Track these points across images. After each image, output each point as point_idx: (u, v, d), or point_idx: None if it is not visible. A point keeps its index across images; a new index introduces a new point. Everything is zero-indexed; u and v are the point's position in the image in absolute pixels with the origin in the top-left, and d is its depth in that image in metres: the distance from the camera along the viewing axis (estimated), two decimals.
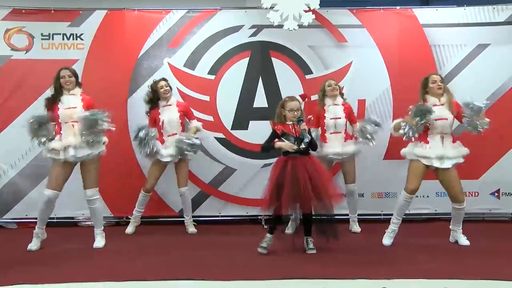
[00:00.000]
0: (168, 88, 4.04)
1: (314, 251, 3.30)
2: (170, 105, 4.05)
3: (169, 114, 4.00)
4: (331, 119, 3.92)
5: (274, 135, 3.39)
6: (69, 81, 3.52)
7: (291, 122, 3.37)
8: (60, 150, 3.41)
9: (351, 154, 3.95)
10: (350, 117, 4.04)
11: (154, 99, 4.04)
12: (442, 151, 3.44)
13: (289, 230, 3.81)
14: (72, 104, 3.50)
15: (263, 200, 3.31)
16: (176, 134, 4.02)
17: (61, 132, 3.49)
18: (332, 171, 4.10)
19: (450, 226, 3.58)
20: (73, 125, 3.47)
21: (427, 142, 3.49)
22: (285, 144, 3.31)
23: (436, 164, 3.42)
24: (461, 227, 3.55)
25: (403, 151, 3.60)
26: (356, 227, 4.08)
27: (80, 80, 3.66)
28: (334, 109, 3.96)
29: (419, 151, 3.47)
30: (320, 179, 3.25)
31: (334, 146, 3.92)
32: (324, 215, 3.35)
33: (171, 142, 3.98)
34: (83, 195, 3.57)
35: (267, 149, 3.43)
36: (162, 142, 4.03)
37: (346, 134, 3.98)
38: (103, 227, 3.64)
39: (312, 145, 3.39)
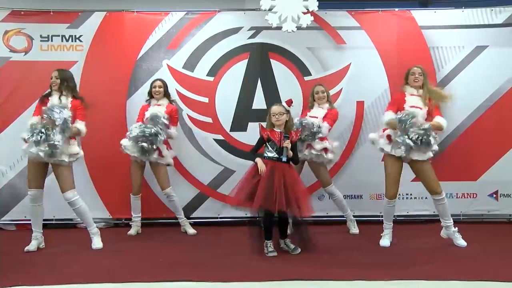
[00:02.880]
0: (160, 90, 4.04)
1: (299, 250, 3.32)
2: (159, 105, 4.05)
3: (154, 110, 3.97)
4: (309, 116, 3.93)
5: (261, 140, 3.43)
6: (54, 83, 3.53)
7: (279, 130, 3.39)
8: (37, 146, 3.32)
9: (319, 154, 3.87)
10: (326, 117, 3.96)
11: (150, 95, 4.09)
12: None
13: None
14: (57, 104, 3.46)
15: (233, 194, 3.36)
16: None
17: None
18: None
19: (441, 223, 3.59)
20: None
21: None
22: (260, 165, 3.33)
23: (409, 154, 3.39)
24: (451, 222, 3.54)
25: (372, 136, 3.60)
26: (354, 229, 4.09)
27: (72, 83, 3.59)
28: (317, 111, 3.99)
29: (391, 132, 3.46)
30: (294, 188, 3.27)
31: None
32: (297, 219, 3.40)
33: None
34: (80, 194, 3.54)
35: (252, 156, 3.47)
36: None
37: (323, 138, 3.92)
38: (95, 225, 3.61)
39: (294, 161, 3.42)
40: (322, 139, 3.90)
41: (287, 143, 3.32)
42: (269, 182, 3.24)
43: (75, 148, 3.50)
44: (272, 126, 3.43)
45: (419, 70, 3.59)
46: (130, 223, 4.07)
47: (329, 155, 3.92)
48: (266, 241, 3.36)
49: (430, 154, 3.49)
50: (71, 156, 3.46)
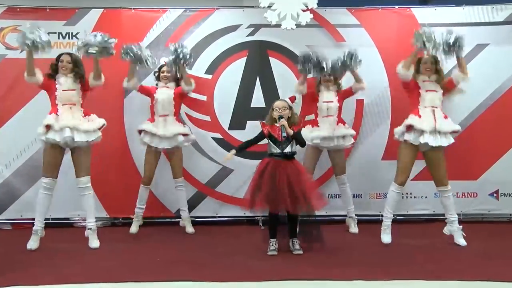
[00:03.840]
0: (168, 75, 4.06)
1: (301, 252, 3.31)
2: (168, 87, 4.06)
3: (164, 94, 4.00)
4: (323, 102, 3.97)
5: (261, 136, 3.43)
6: (65, 67, 3.55)
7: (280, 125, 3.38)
8: (57, 130, 3.40)
9: (340, 139, 3.96)
10: (345, 93, 4.08)
11: (157, 77, 4.12)
12: (435, 124, 3.46)
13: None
14: (72, 85, 3.54)
15: (244, 199, 3.37)
16: (168, 115, 3.99)
17: (58, 113, 3.49)
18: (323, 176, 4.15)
19: (446, 216, 3.60)
20: (70, 108, 3.49)
21: (420, 116, 3.51)
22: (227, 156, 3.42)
23: (431, 142, 3.43)
24: (456, 217, 3.54)
25: (396, 129, 3.62)
26: (354, 228, 4.09)
27: (82, 70, 3.64)
28: (327, 94, 4.02)
29: (412, 121, 3.48)
30: (300, 184, 3.25)
31: (324, 129, 3.95)
32: (305, 217, 3.38)
33: (160, 123, 3.95)
34: (76, 188, 3.57)
35: (243, 148, 3.47)
36: (153, 121, 4.00)
37: (338, 118, 4.02)
38: (95, 219, 3.61)
39: (297, 141, 3.38)
40: (340, 121, 4.03)
41: (282, 121, 3.31)
42: (272, 182, 3.23)
43: (99, 120, 3.57)
44: (273, 121, 3.42)
45: (431, 58, 3.61)
46: (131, 217, 4.04)
47: (351, 140, 4.05)
48: (270, 239, 3.37)
49: (451, 139, 3.50)
50: (95, 132, 3.53)
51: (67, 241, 3.76)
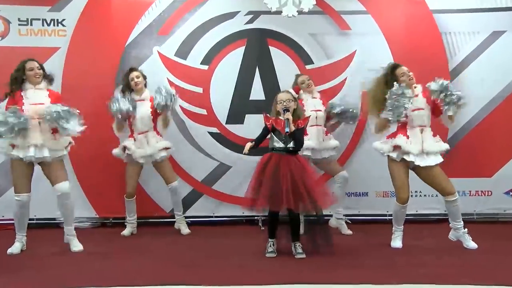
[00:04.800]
0: (139, 80, 3.93)
1: (303, 256, 3.26)
2: (143, 100, 3.95)
3: (141, 110, 3.91)
4: (311, 111, 3.87)
5: (266, 131, 3.38)
6: (38, 74, 3.39)
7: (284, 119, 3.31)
8: (22, 148, 3.30)
9: (330, 150, 3.90)
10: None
11: (127, 90, 3.96)
12: (422, 146, 3.40)
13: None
14: (39, 99, 3.36)
15: (246, 199, 3.31)
16: (147, 131, 3.93)
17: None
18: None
19: (450, 224, 3.55)
20: (39, 123, 3.35)
21: (407, 137, 3.45)
22: (246, 148, 3.30)
23: (418, 161, 3.38)
24: (462, 224, 3.50)
25: (376, 144, 3.54)
26: (346, 230, 4.00)
27: (50, 73, 3.52)
28: (313, 102, 3.93)
29: (399, 141, 3.41)
30: (305, 180, 3.19)
31: (313, 139, 3.85)
32: (311, 217, 3.31)
33: (142, 142, 3.91)
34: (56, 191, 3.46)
35: (255, 145, 3.39)
36: (133, 137, 3.96)
37: (327, 128, 3.98)
38: (74, 226, 3.54)
39: (296, 140, 3.29)
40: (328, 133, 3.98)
41: (287, 115, 3.24)
42: (274, 179, 3.17)
43: (66, 138, 3.44)
44: (277, 114, 3.37)
45: (406, 68, 3.47)
46: (125, 223, 4.04)
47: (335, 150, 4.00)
48: (269, 239, 3.34)
49: (440, 158, 3.44)
50: (63, 149, 3.43)
51: (54, 242, 3.70)
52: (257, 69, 4.40)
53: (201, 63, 4.40)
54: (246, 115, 4.39)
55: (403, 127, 3.47)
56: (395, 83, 3.35)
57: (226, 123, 4.40)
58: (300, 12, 3.96)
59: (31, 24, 4.25)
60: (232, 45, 4.40)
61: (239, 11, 4.40)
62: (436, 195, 4.22)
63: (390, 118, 3.35)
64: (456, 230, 3.52)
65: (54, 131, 3.38)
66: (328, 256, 3.29)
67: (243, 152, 3.29)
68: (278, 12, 4.00)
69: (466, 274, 2.91)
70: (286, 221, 3.33)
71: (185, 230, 4.06)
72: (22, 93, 3.38)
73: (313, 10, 4.06)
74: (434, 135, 3.47)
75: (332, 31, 4.40)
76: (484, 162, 4.35)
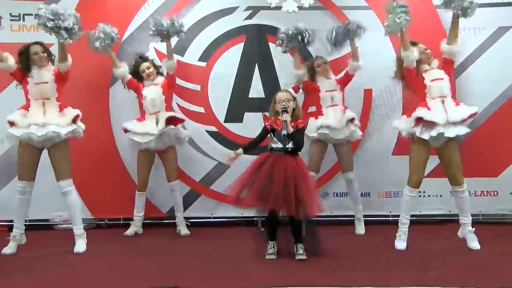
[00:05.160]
0: (150, 70, 3.98)
1: (304, 257, 3.23)
2: (155, 84, 4.00)
3: (152, 92, 3.94)
4: (326, 92, 3.92)
5: (265, 132, 3.36)
6: (43, 57, 3.43)
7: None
8: (24, 127, 3.30)
9: (350, 127, 3.91)
10: (345, 79, 4.04)
11: (138, 78, 4.03)
12: (446, 115, 3.35)
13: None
14: (44, 78, 3.40)
15: (230, 194, 3.29)
16: (159, 112, 3.94)
17: (29, 108, 3.38)
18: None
19: (459, 217, 3.54)
20: (43, 103, 3.37)
21: (429, 108, 3.40)
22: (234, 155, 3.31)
23: (445, 131, 3.31)
24: (470, 220, 3.49)
25: (396, 123, 3.57)
26: (360, 229, 4.04)
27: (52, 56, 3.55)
28: (328, 82, 3.97)
29: (421, 113, 3.37)
30: (298, 184, 3.14)
31: (330, 118, 3.89)
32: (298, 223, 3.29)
33: (152, 121, 3.90)
34: (59, 192, 3.48)
35: (248, 148, 3.39)
36: (143, 119, 3.96)
37: (344, 107, 3.97)
38: (83, 225, 3.54)
39: (295, 141, 3.26)
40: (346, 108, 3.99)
41: (285, 117, 3.23)
42: (267, 178, 3.15)
43: (73, 111, 3.43)
44: (276, 114, 3.35)
45: (423, 46, 3.55)
46: (130, 223, 4.04)
47: (358, 132, 4.00)
48: (269, 241, 3.32)
49: (466, 129, 3.38)
50: (70, 125, 3.41)
51: (48, 244, 3.69)
52: (256, 66, 4.37)
53: (199, 60, 4.37)
54: (245, 113, 4.37)
55: (422, 100, 3.43)
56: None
57: (225, 121, 4.38)
58: (300, 8, 3.95)
59: (23, 20, 4.21)
60: (231, 41, 4.37)
61: (238, 6, 4.37)
62: (441, 195, 4.35)
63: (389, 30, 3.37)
64: (463, 226, 3.52)
65: (61, 108, 3.40)
66: (330, 257, 3.27)
67: (228, 159, 3.32)
68: (278, 8, 3.98)
69: (471, 276, 2.89)
70: (287, 223, 3.30)
71: (183, 231, 4.05)
72: (28, 74, 3.42)
73: (314, 6, 4.03)
74: (457, 104, 3.42)
75: (331, 25, 4.26)
76: (490, 161, 4.32)
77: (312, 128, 3.91)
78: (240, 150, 3.33)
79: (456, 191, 3.49)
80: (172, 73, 4.04)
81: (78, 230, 3.51)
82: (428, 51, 3.51)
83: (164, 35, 3.90)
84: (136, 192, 4.02)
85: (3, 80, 4.03)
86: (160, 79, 4.03)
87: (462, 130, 3.37)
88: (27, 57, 3.41)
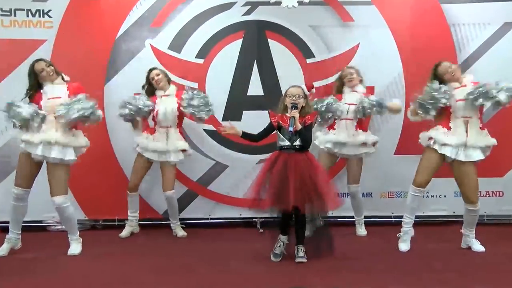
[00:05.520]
0: (160, 77, 3.98)
1: (304, 260, 3.21)
2: (168, 95, 3.99)
3: (166, 104, 3.94)
4: (345, 104, 3.88)
5: (270, 127, 3.32)
6: (50, 71, 3.41)
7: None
8: (31, 144, 3.29)
9: (358, 147, 3.86)
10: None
11: (149, 90, 4.04)
12: (465, 139, 3.33)
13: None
14: (57, 93, 3.38)
15: (248, 198, 3.26)
16: (170, 127, 3.96)
17: (42, 124, 3.37)
18: (334, 167, 4.07)
19: (462, 230, 3.53)
20: (55, 118, 3.35)
21: (449, 128, 3.39)
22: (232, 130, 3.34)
23: (454, 154, 3.32)
24: (473, 233, 3.49)
25: (422, 134, 3.54)
26: (361, 230, 4.03)
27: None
28: (351, 95, 3.91)
29: (437, 134, 3.38)
30: (313, 179, 3.14)
31: (340, 133, 3.86)
32: (314, 220, 3.31)
33: (161, 136, 3.92)
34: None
35: (248, 136, 3.38)
36: (153, 132, 3.97)
37: (358, 124, 3.91)
38: (78, 233, 3.54)
39: (303, 138, 3.23)
40: (361, 127, 3.92)
41: (294, 113, 3.18)
42: (281, 177, 3.13)
43: (83, 139, 3.45)
44: (285, 109, 3.30)
45: (448, 63, 3.50)
46: (125, 223, 4.03)
47: (372, 149, 3.96)
48: (280, 236, 3.29)
49: (481, 155, 3.37)
50: (77, 149, 3.42)
51: (41, 246, 3.66)
52: (255, 63, 4.34)
53: (196, 57, 4.33)
54: (244, 112, 4.32)
55: (446, 117, 3.40)
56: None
57: (223, 120, 4.32)
58: (300, 3, 3.90)
59: (15, 15, 4.15)
60: (229, 37, 4.33)
61: (236, 2, 4.32)
62: (445, 196, 4.31)
63: (420, 113, 3.35)
64: (465, 237, 3.51)
65: (74, 126, 3.41)
66: (331, 259, 3.25)
67: (220, 128, 3.34)
68: (278, 3, 3.94)
69: (476, 279, 2.89)
70: (291, 224, 3.30)
71: (180, 232, 4.04)
72: (41, 91, 3.41)
73: (314, 1, 4.01)
74: (482, 129, 3.39)
75: (334, 23, 4.33)
76: (495, 161, 4.09)
77: (322, 140, 3.87)
78: (239, 130, 3.31)
79: (469, 210, 3.43)
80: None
81: (75, 237, 3.51)
82: (452, 68, 3.43)
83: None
84: (128, 192, 3.99)
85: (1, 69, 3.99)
86: (173, 89, 4.02)
87: (476, 156, 3.34)
88: (36, 76, 3.39)
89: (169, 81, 4.07)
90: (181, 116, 3.99)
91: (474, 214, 3.42)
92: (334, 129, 3.90)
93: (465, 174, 3.36)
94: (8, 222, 3.54)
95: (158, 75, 3.97)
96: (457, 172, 3.40)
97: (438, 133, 3.38)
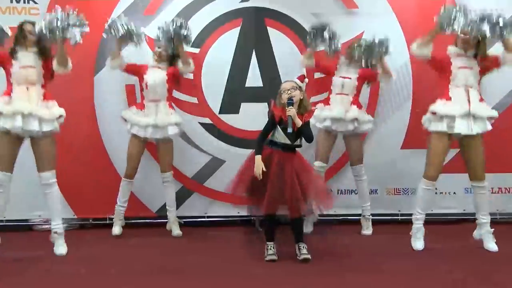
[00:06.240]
0: (161, 52, 3.92)
1: (308, 256, 3.17)
2: (160, 67, 3.94)
3: (156, 76, 3.87)
4: (339, 77, 3.85)
5: (273, 123, 3.23)
6: (27, 38, 3.30)
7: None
8: (8, 116, 3.19)
9: (354, 123, 3.82)
10: (367, 75, 3.93)
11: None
12: (469, 108, 3.28)
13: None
14: (31, 62, 3.29)
15: (231, 187, 3.27)
16: (159, 100, 3.87)
17: (12, 94, 3.27)
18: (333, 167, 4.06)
19: (476, 217, 3.48)
20: (27, 88, 3.26)
21: (449, 98, 3.34)
22: (257, 165, 3.11)
23: (466, 130, 3.27)
24: (488, 219, 3.43)
25: (424, 117, 3.47)
26: (367, 229, 3.97)
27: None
28: (347, 69, 3.90)
29: (436, 108, 3.32)
30: (307, 179, 3.14)
31: (335, 108, 3.83)
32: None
33: (151, 111, 3.84)
34: (38, 190, 3.39)
35: (262, 146, 3.22)
36: (142, 107, 3.91)
37: (354, 99, 3.87)
38: (62, 222, 3.45)
39: (306, 136, 3.20)
40: (355, 103, 3.88)
41: (291, 111, 3.12)
42: (279, 181, 3.08)
43: (58, 108, 3.34)
44: (284, 106, 3.24)
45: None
46: (111, 216, 3.96)
47: (369, 125, 3.95)
48: (267, 243, 3.26)
49: (488, 126, 3.34)
50: (55, 121, 3.30)
51: (27, 247, 3.61)
52: (253, 52, 4.28)
53: (191, 46, 4.20)
54: (242, 104, 4.27)
55: (444, 88, 3.36)
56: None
57: (220, 112, 4.29)
58: None
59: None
60: (226, 25, 4.27)
61: None
62: (454, 193, 4.26)
63: (442, 27, 3.25)
64: (480, 226, 3.44)
65: (46, 96, 3.31)
66: (335, 259, 3.26)
67: (257, 172, 3.10)
68: None
69: (486, 283, 2.82)
70: (284, 222, 3.27)
71: (176, 231, 3.98)
72: (14, 53, 3.30)
73: None
74: (481, 100, 3.35)
75: (338, 10, 4.27)
76: (508, 155, 4.22)
77: (318, 117, 3.84)
78: (259, 158, 3.14)
79: (476, 187, 3.41)
80: (184, 74, 4.02)
81: (58, 228, 3.41)
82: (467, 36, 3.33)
83: (171, 39, 3.85)
84: (123, 179, 3.91)
85: None
86: (165, 64, 3.96)
87: (482, 128, 3.30)
88: (21, 31, 3.29)
89: (169, 57, 3.96)
90: (170, 88, 3.94)
91: (483, 192, 3.39)
92: (329, 104, 3.86)
93: (474, 148, 3.35)
94: None
95: (159, 47, 3.91)
96: (466, 147, 3.38)
97: (439, 106, 3.32)
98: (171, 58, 3.98)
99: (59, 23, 3.20)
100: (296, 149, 3.25)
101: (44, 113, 3.24)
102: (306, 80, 3.56)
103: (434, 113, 3.34)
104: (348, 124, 3.81)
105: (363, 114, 3.89)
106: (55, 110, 3.32)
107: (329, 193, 3.40)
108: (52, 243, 3.40)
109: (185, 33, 3.84)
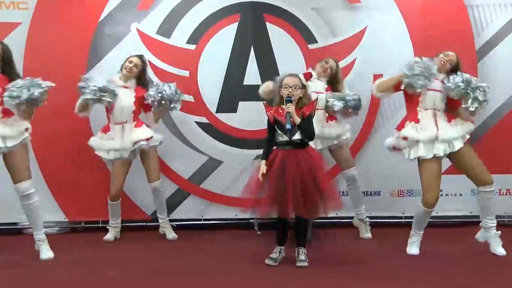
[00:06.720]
0: (131, 66, 3.78)
1: (305, 264, 3.13)
2: (126, 87, 3.83)
3: (122, 97, 3.78)
4: (312, 92, 3.71)
5: (268, 124, 3.18)
6: None
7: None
8: None
9: (334, 138, 3.79)
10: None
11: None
12: (436, 132, 3.26)
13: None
14: None
15: (246, 200, 3.17)
16: (126, 122, 3.81)
17: None
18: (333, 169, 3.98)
19: (481, 223, 3.42)
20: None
21: (417, 121, 3.31)
22: (261, 169, 3.10)
23: (441, 150, 3.25)
24: (495, 223, 3.37)
25: (388, 142, 3.46)
26: (366, 232, 3.93)
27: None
28: (318, 83, 3.81)
29: (406, 132, 3.29)
30: (315, 181, 3.06)
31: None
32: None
33: (116, 133, 3.78)
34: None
35: (269, 152, 3.17)
36: (107, 130, 3.84)
37: (329, 115, 3.86)
38: (43, 230, 3.39)
39: (304, 132, 3.10)
40: (332, 118, 3.85)
41: (289, 107, 3.07)
42: (280, 180, 3.03)
43: (21, 122, 3.23)
44: (281, 100, 3.17)
45: (453, 55, 3.39)
46: (107, 227, 3.95)
47: (347, 134, 3.91)
48: (276, 245, 3.23)
49: (466, 135, 3.31)
50: (21, 135, 3.21)
51: (16, 251, 3.56)
52: (252, 49, 4.24)
53: (187, 42, 4.23)
54: (240, 102, 4.24)
55: (412, 110, 3.33)
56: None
57: (217, 111, 4.25)
58: None
59: None
60: (223, 21, 4.23)
61: None
62: (460, 195, 4.22)
63: (406, 81, 3.22)
64: (486, 230, 3.39)
65: (5, 112, 3.18)
66: (335, 263, 3.23)
67: (259, 176, 3.08)
68: None
69: (491, 286, 2.80)
70: (291, 225, 3.22)
71: (170, 235, 3.94)
72: None
73: None
74: (449, 120, 3.32)
75: (339, 4, 4.25)
76: (508, 157, 4.15)
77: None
78: (263, 163, 3.11)
79: (483, 192, 3.33)
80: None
81: (41, 235, 3.35)
82: (446, 58, 3.31)
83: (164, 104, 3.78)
84: (109, 202, 3.85)
85: None
86: (133, 83, 3.83)
87: (458, 145, 3.26)
88: None
89: (141, 74, 3.85)
90: (137, 110, 3.84)
91: (489, 196, 3.32)
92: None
93: (465, 160, 3.31)
94: None
95: (131, 62, 3.78)
96: (457, 162, 3.35)
97: (408, 131, 3.29)
98: (139, 74, 3.85)
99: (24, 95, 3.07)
100: (310, 145, 3.17)
101: (3, 131, 3.14)
102: (312, 78, 3.50)
103: (405, 138, 3.30)
104: (328, 140, 3.77)
105: (340, 127, 3.83)
106: (17, 125, 3.20)
107: (336, 195, 3.32)
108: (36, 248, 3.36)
109: (175, 105, 3.82)
